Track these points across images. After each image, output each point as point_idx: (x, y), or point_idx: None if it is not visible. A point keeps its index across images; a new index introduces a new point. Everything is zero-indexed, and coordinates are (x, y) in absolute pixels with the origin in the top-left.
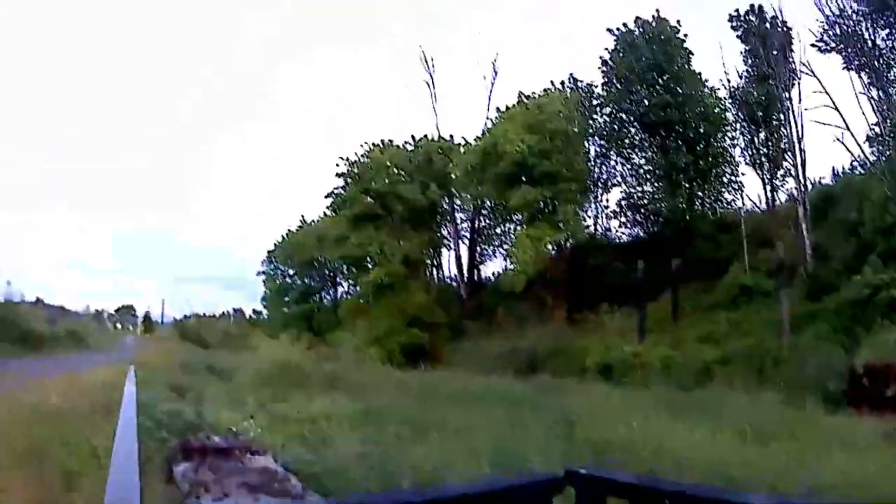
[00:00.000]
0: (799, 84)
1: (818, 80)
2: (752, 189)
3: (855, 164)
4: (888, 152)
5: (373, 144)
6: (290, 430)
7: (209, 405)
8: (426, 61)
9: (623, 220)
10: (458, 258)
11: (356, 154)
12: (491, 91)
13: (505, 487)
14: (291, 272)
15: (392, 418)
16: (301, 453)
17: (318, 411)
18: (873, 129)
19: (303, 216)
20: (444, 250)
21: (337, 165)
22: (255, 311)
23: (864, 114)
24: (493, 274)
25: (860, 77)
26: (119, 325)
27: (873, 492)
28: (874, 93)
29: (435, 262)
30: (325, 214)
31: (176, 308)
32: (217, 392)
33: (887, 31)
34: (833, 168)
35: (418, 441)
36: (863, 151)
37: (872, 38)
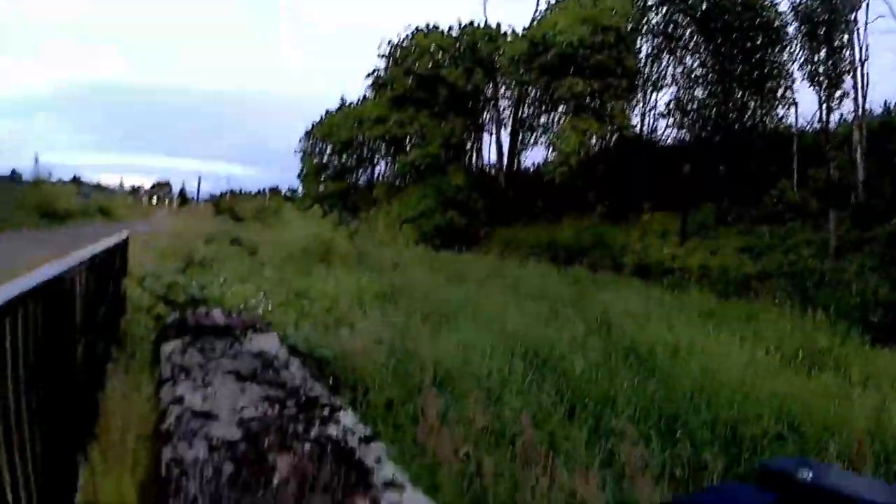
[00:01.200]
0: (867, 6)
1: (888, 5)
2: (806, 107)
3: None
4: None
5: (417, 28)
6: (306, 308)
7: (223, 278)
8: None
9: (671, 121)
10: (500, 145)
11: (399, 36)
12: None
13: None
14: (329, 151)
15: (419, 299)
16: (313, 334)
17: (343, 289)
18: None
19: (343, 97)
20: (485, 136)
21: (379, 47)
22: (290, 190)
23: None
24: (534, 164)
25: None
26: (155, 200)
27: None
28: None
29: (475, 147)
30: (364, 97)
31: (213, 185)
32: (236, 265)
33: None
34: (886, 101)
35: (445, 326)
36: None
37: None
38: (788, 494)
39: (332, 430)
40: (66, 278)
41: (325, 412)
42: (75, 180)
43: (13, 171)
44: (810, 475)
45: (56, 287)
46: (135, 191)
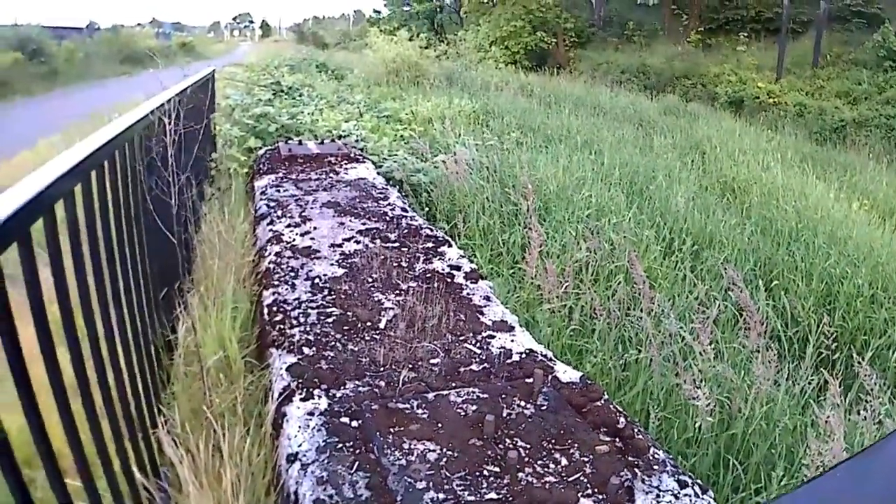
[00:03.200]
0: None
1: None
2: None
3: None
4: None
5: None
6: (399, 133)
7: (312, 106)
8: None
9: None
10: None
11: None
12: None
13: None
14: None
15: (512, 123)
16: (409, 160)
17: (435, 112)
18: None
19: None
20: None
21: None
22: (375, 11)
23: None
24: None
25: None
26: (237, 34)
27: None
28: None
29: None
30: None
31: (295, 13)
32: (324, 91)
33: None
34: None
35: (540, 150)
36: None
37: None
38: None
39: (438, 265)
40: (155, 117)
41: (429, 244)
42: (153, 22)
43: (90, 23)
44: None
45: (146, 126)
46: (215, 26)
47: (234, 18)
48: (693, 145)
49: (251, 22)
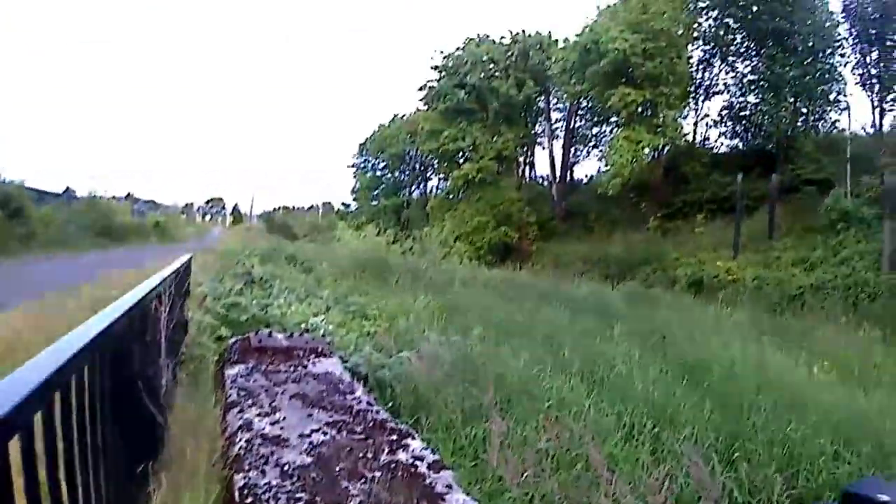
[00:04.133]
0: None
1: None
2: (859, 111)
3: None
4: None
5: (469, 38)
6: (365, 329)
7: (282, 298)
8: None
9: (723, 129)
10: (552, 157)
11: (452, 48)
12: None
13: None
14: (382, 166)
15: (476, 318)
16: (374, 355)
17: (400, 308)
18: None
19: (395, 111)
20: (537, 149)
21: (432, 59)
22: (344, 205)
23: None
24: (586, 176)
25: None
26: (208, 218)
27: None
28: None
29: (528, 160)
30: (417, 109)
31: (266, 201)
32: (293, 284)
33: None
34: None
35: (503, 345)
36: None
37: None
38: None
39: (402, 456)
40: (144, 302)
41: (394, 437)
42: (129, 197)
43: (67, 189)
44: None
45: (137, 310)
46: (188, 207)
47: (207, 202)
48: (653, 330)
49: (223, 208)
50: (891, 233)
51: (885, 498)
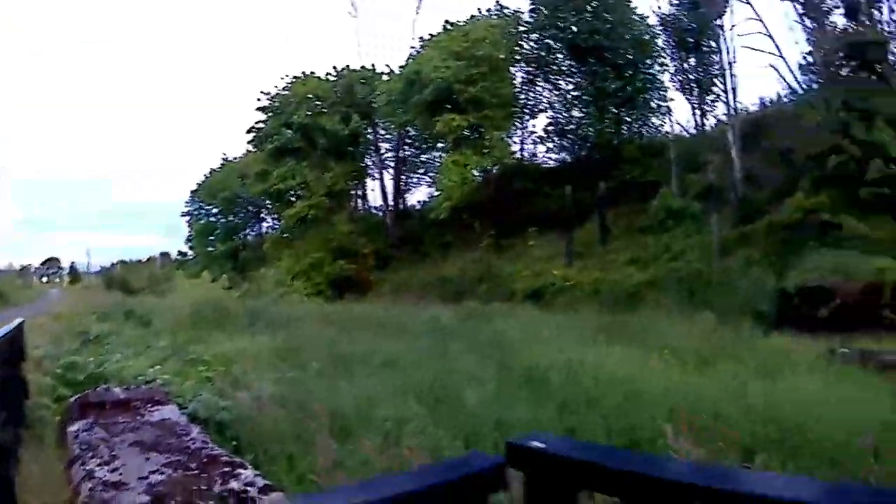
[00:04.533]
0: (731, 10)
1: (752, 6)
2: (681, 114)
3: (785, 92)
4: (820, 81)
5: (294, 77)
6: (203, 374)
7: (119, 353)
8: None
9: (550, 145)
10: (383, 187)
11: (277, 87)
12: (416, 20)
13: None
14: (215, 211)
15: (315, 354)
16: (212, 399)
17: (238, 351)
18: (805, 59)
19: (224, 154)
20: (368, 180)
21: (258, 100)
22: (181, 253)
23: (797, 42)
24: (419, 202)
25: (794, 6)
26: (45, 279)
27: (825, 408)
28: (808, 22)
29: (360, 192)
30: (247, 151)
31: (104, 257)
32: (131, 339)
33: None
34: (761, 98)
35: (342, 377)
36: (796, 79)
37: None
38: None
39: (234, 485)
40: None
41: (227, 469)
42: None
43: None
44: (543, 444)
45: None
46: (23, 269)
47: (43, 264)
48: (494, 343)
49: (60, 268)
50: (718, 223)
51: (538, 444)
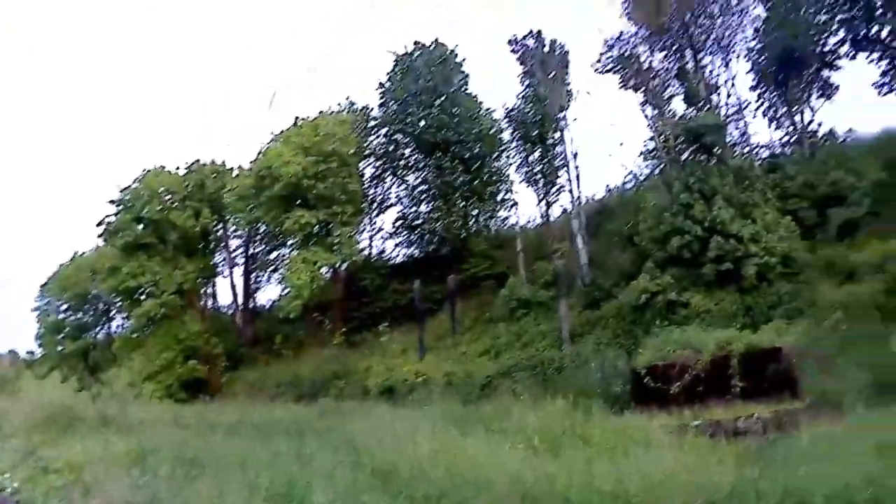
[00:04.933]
0: (574, 104)
1: (591, 97)
2: (527, 205)
3: (629, 178)
4: (661, 165)
5: (145, 170)
6: (54, 481)
7: None
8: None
9: (399, 240)
10: (233, 286)
11: (129, 181)
12: (267, 115)
13: None
14: (65, 307)
15: (167, 456)
16: None
17: (89, 455)
18: (646, 145)
19: (75, 249)
20: (219, 278)
21: (109, 193)
22: (29, 352)
23: (638, 130)
24: (270, 301)
25: (637, 96)
26: None
27: (670, 479)
28: (649, 110)
29: (210, 290)
30: (98, 246)
31: None
32: None
33: (664, 53)
34: (607, 185)
35: (194, 479)
36: (638, 166)
37: (650, 60)
38: None
39: None
40: None
41: None
42: None
43: None
44: None
45: None
46: None
47: None
48: (346, 442)
49: None
50: (566, 309)
51: None
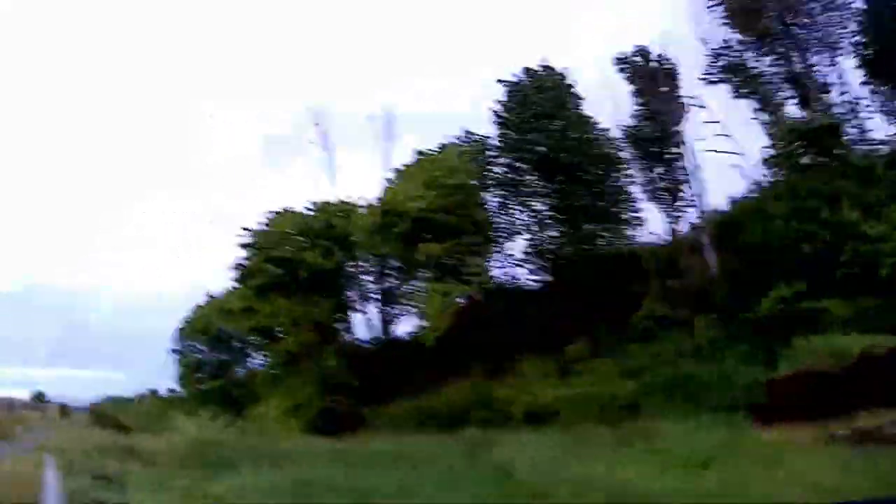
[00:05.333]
0: (691, 117)
1: (708, 111)
2: (654, 223)
3: (752, 187)
4: (782, 171)
5: (273, 212)
6: None
7: (135, 493)
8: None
9: (530, 266)
10: (368, 320)
11: (257, 224)
12: (386, 150)
13: None
14: (202, 348)
15: (323, 489)
16: None
17: (247, 488)
18: (765, 152)
19: (209, 291)
20: (353, 313)
21: (240, 236)
22: (170, 391)
23: (756, 138)
24: (406, 333)
25: (751, 102)
26: (33, 413)
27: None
28: (764, 117)
29: (346, 325)
30: (233, 288)
31: (90, 391)
32: (141, 477)
33: (771, 57)
34: (730, 196)
35: None
36: (760, 174)
37: (757, 66)
38: None
39: None
40: None
41: None
42: None
43: None
44: None
45: None
46: (10, 403)
47: (32, 399)
48: (497, 468)
49: (46, 402)
50: (703, 325)
51: None
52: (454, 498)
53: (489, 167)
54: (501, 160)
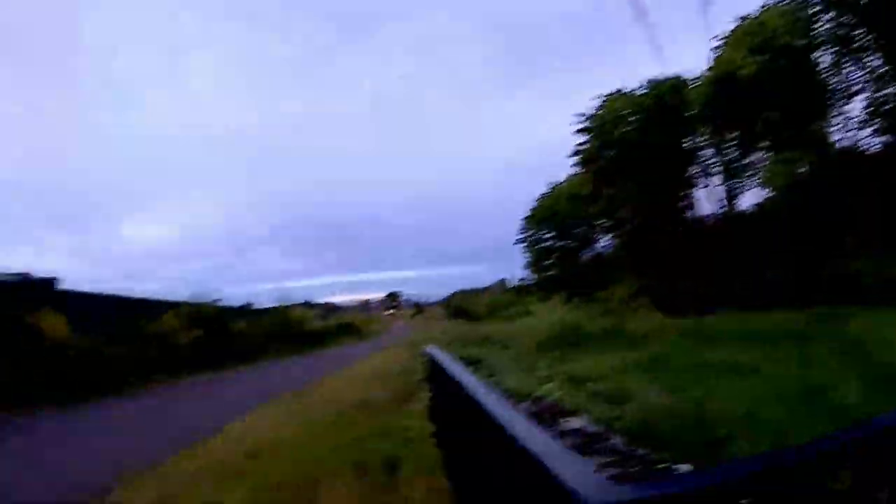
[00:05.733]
0: None
1: None
2: None
3: None
4: None
5: (605, 95)
6: (587, 389)
7: (503, 374)
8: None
9: (873, 128)
10: (710, 195)
11: (590, 108)
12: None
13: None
14: (549, 235)
15: (681, 365)
16: (607, 410)
17: (608, 367)
18: None
19: (551, 181)
20: (694, 189)
21: (572, 124)
22: (520, 280)
23: None
24: (748, 206)
25: None
26: (388, 311)
27: None
28: None
29: (686, 202)
30: (574, 174)
31: (439, 288)
32: (505, 361)
33: None
34: None
35: (714, 386)
36: None
37: None
38: None
39: None
40: None
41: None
42: (307, 304)
43: (247, 303)
44: None
45: None
46: (365, 304)
47: (386, 297)
48: (854, 347)
49: (399, 300)
50: None
51: None
52: (813, 375)
53: (813, 26)
54: (826, 17)
